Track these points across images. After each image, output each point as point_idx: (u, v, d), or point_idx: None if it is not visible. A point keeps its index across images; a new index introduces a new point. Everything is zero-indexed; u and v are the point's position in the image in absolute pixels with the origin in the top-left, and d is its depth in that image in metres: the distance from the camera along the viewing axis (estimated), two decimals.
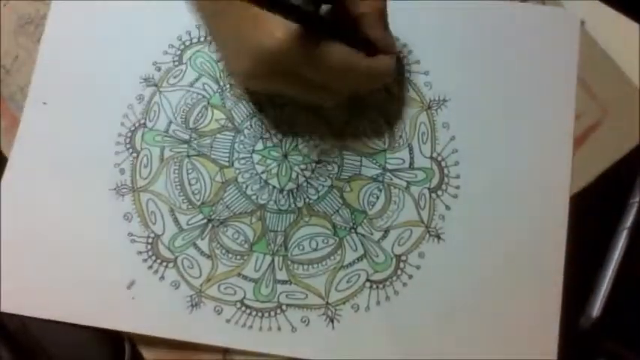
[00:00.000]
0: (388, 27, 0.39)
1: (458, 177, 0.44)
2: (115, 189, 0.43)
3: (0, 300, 0.42)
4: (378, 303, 0.42)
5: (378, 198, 0.43)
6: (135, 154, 0.44)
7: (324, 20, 0.37)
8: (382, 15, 0.38)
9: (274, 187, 0.43)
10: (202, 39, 0.46)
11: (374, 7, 0.38)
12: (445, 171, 0.44)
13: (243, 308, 0.42)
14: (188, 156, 0.44)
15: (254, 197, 0.43)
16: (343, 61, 0.36)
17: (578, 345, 0.42)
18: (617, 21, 0.46)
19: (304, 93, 0.39)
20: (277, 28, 0.34)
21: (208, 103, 0.45)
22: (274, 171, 0.44)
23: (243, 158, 0.44)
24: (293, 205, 0.43)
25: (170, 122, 0.45)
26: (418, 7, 0.46)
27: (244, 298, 0.42)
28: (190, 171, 0.44)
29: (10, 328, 0.42)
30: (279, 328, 0.42)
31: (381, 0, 0.38)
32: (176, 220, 0.43)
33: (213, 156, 0.44)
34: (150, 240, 0.43)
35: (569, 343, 0.41)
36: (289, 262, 0.42)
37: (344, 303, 0.42)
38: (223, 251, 0.43)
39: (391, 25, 0.44)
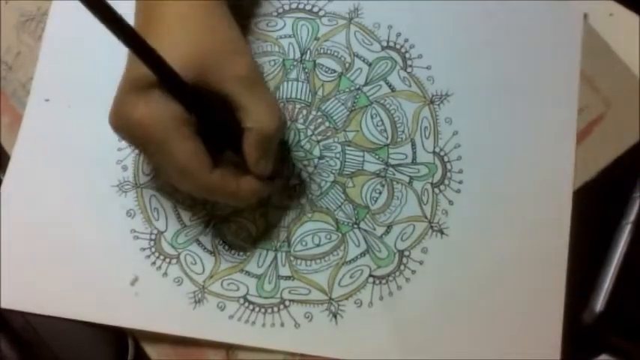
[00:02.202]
0: (270, 153, 0.37)
1: (461, 172, 0.43)
2: (117, 185, 0.43)
3: (1, 297, 0.42)
4: (381, 298, 0.42)
5: (380, 193, 0.43)
6: (137, 151, 0.44)
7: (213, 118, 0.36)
8: (265, 138, 0.36)
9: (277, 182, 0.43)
10: None
11: (259, 127, 0.35)
12: (448, 166, 0.44)
13: (247, 304, 0.42)
14: None
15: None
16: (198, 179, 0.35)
17: (582, 340, 0.42)
18: (620, 14, 0.46)
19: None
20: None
21: None
22: (277, 166, 0.44)
23: None
24: (296, 201, 0.43)
25: None
26: (420, 1, 0.45)
27: (247, 294, 0.42)
28: None
29: (14, 325, 0.42)
30: (282, 324, 0.42)
31: (273, 126, 0.36)
32: (179, 217, 0.43)
33: None
34: (153, 236, 0.43)
35: (573, 338, 0.41)
36: (292, 258, 0.42)
37: (347, 298, 0.42)
38: (226, 247, 0.43)
39: (394, 19, 0.44)
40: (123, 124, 0.35)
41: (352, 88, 0.45)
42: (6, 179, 0.44)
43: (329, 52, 0.45)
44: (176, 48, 0.34)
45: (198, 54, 0.34)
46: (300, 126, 0.44)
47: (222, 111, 0.36)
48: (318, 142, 0.44)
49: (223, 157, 0.37)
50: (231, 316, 0.42)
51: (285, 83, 0.45)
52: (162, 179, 0.43)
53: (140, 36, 0.31)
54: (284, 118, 0.37)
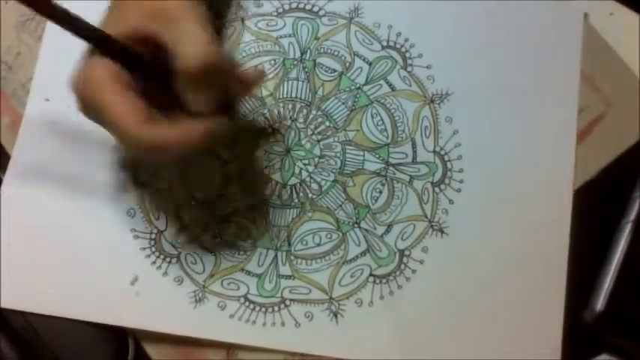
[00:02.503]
0: (207, 87, 0.34)
1: (461, 171, 0.43)
2: (118, 185, 0.43)
3: (1, 296, 0.42)
4: (382, 297, 0.42)
5: (381, 192, 0.43)
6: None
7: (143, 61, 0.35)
8: (197, 70, 0.33)
9: (277, 182, 0.43)
10: None
11: (187, 57, 0.33)
12: (448, 165, 0.44)
13: (247, 303, 0.42)
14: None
15: (257, 192, 0.43)
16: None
17: (582, 339, 0.42)
18: (620, 13, 0.46)
19: None
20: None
21: None
22: (277, 166, 0.44)
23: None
24: (296, 200, 0.43)
25: None
26: (420, 1, 0.45)
27: (248, 293, 0.42)
28: (193, 167, 0.44)
29: (15, 325, 0.42)
30: (282, 323, 0.42)
31: (200, 53, 0.33)
32: (179, 216, 0.43)
33: (216, 151, 0.44)
34: (153, 236, 0.43)
35: (573, 337, 0.41)
36: (292, 257, 0.42)
37: (347, 298, 0.42)
38: (226, 246, 0.42)
39: (394, 18, 0.44)
40: (73, 88, 0.35)
41: (352, 88, 0.45)
42: (6, 179, 0.44)
43: (329, 51, 0.45)
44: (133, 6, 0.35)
45: (155, 11, 0.34)
46: (300, 125, 0.44)
47: (158, 58, 0.35)
48: (319, 141, 0.44)
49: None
50: (231, 316, 0.42)
51: (286, 83, 0.45)
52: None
53: (63, 9, 0.32)
54: (214, 49, 0.34)
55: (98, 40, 0.34)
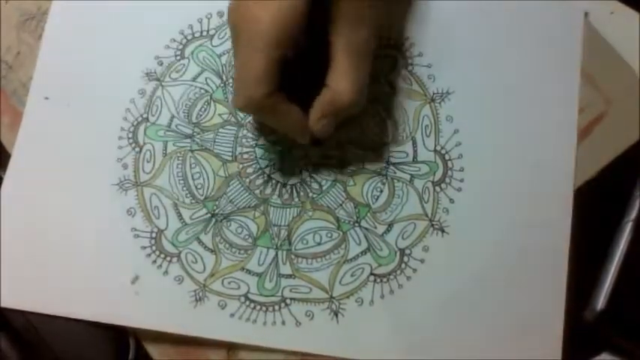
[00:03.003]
0: (332, 120, 0.38)
1: (462, 170, 0.43)
2: (118, 184, 0.43)
3: (1, 295, 0.42)
4: (383, 297, 0.42)
5: (381, 192, 0.43)
6: (138, 149, 0.44)
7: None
8: (336, 103, 0.37)
9: (278, 181, 0.43)
10: (205, 33, 0.46)
11: (336, 90, 0.37)
12: (449, 164, 0.44)
13: (247, 302, 0.42)
14: (191, 150, 0.44)
15: (257, 192, 0.43)
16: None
17: (583, 338, 0.42)
18: (620, 12, 0.46)
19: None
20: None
21: (211, 97, 0.45)
22: (277, 165, 0.43)
23: (246, 153, 0.44)
24: (296, 199, 0.43)
25: (173, 117, 0.44)
26: (421, 0, 0.45)
27: (248, 292, 0.42)
28: (193, 166, 0.44)
29: (15, 325, 0.42)
30: (283, 323, 0.41)
31: (348, 97, 0.37)
32: (179, 215, 0.43)
33: (216, 150, 0.44)
34: (153, 235, 0.43)
35: (574, 336, 0.41)
36: (293, 257, 0.42)
37: (348, 297, 0.42)
38: (227, 246, 0.42)
39: (394, 17, 0.44)
40: (232, 10, 0.36)
41: None
42: (6, 178, 0.44)
43: None
44: None
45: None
46: None
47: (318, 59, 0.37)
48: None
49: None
50: (232, 315, 0.42)
51: None
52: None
53: None
54: (363, 100, 0.38)
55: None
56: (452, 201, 0.43)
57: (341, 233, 0.43)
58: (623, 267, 0.42)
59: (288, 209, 0.43)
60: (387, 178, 0.43)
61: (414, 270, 0.42)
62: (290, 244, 0.42)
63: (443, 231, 0.43)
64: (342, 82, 0.37)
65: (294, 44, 0.36)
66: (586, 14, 0.46)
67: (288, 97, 0.37)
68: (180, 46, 0.45)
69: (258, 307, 0.42)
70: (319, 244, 0.42)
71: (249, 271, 0.42)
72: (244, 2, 0.35)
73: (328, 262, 0.42)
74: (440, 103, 0.44)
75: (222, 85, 0.45)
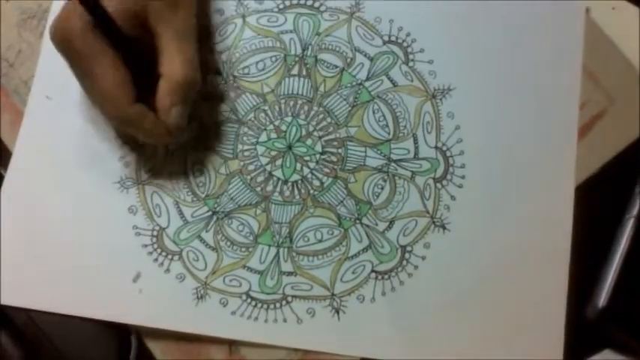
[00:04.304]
0: (182, 105, 0.39)
1: (463, 167, 0.43)
2: (119, 182, 0.43)
3: (3, 293, 0.42)
4: (384, 294, 0.42)
5: (382, 188, 0.43)
6: (139, 147, 0.44)
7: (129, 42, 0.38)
8: (178, 87, 0.38)
9: (279, 178, 0.43)
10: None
11: (172, 74, 0.38)
12: (450, 161, 0.43)
13: (249, 300, 0.42)
14: (192, 148, 0.44)
15: (258, 189, 0.43)
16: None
17: (585, 335, 0.42)
18: (622, 8, 0.46)
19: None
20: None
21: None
22: (278, 162, 0.43)
23: (247, 150, 0.44)
24: (298, 197, 0.43)
25: None
26: None
27: (250, 290, 0.42)
28: (195, 163, 0.44)
29: (18, 323, 0.42)
30: (284, 320, 0.42)
31: (185, 76, 0.38)
32: (181, 213, 0.43)
33: (217, 148, 0.44)
34: (155, 233, 0.43)
35: (576, 333, 0.41)
36: (294, 254, 0.42)
37: (349, 294, 0.42)
38: (228, 243, 0.43)
39: (395, 13, 0.44)
40: (59, 35, 0.37)
41: (354, 84, 0.44)
42: (8, 176, 0.44)
43: (330, 47, 0.45)
44: None
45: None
46: (301, 122, 0.44)
47: (151, 58, 0.39)
48: (320, 137, 0.44)
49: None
50: (233, 312, 0.42)
51: (287, 79, 0.45)
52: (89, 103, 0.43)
53: None
54: (197, 75, 0.39)
55: (113, 28, 0.37)
56: (453, 198, 0.43)
57: (342, 230, 0.43)
58: (625, 264, 0.42)
59: (289, 206, 0.43)
60: (388, 175, 0.43)
61: (416, 267, 0.42)
62: (291, 241, 0.42)
63: (444, 228, 0.43)
64: (172, 65, 0.38)
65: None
66: (587, 10, 0.46)
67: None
68: None
69: (259, 305, 0.42)
70: (320, 241, 0.42)
71: (250, 269, 0.42)
72: (60, 24, 0.37)
73: (329, 260, 0.42)
74: (441, 99, 0.44)
75: (222, 82, 0.45)
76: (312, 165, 0.43)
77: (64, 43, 0.37)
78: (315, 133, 0.44)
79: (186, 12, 0.39)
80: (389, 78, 0.45)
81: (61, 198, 0.43)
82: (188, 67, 0.38)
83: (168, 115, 0.39)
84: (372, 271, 0.42)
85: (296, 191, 0.43)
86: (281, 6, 0.46)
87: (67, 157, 0.44)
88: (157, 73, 0.39)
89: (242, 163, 0.44)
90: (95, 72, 0.37)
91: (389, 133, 0.44)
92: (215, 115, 0.44)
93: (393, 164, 0.43)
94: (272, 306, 0.42)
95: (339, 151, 0.44)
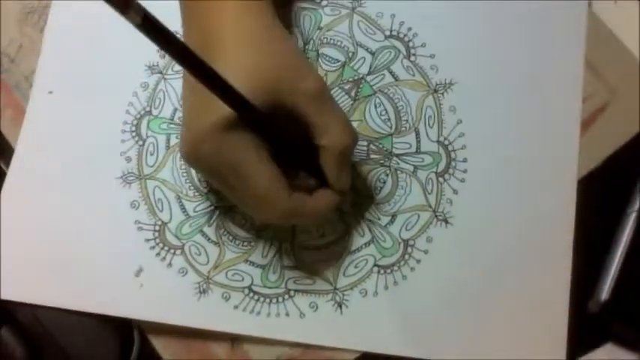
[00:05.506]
0: (347, 167, 0.37)
1: (465, 161, 0.43)
2: (121, 177, 0.44)
3: (5, 288, 0.42)
4: (386, 288, 0.42)
5: (385, 183, 0.43)
6: (141, 142, 0.44)
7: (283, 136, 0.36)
8: (343, 154, 0.36)
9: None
10: None
11: (336, 144, 0.35)
12: (452, 155, 0.43)
13: (251, 294, 0.42)
14: None
15: None
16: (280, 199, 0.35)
17: (587, 328, 0.42)
18: (624, 1, 0.46)
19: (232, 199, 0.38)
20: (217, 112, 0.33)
21: None
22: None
23: None
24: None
25: (176, 110, 0.44)
26: None
27: (252, 284, 0.42)
28: None
29: (21, 318, 0.42)
30: (287, 314, 0.42)
31: (349, 141, 0.36)
32: (183, 208, 0.43)
33: None
34: (157, 227, 0.43)
35: (578, 327, 0.41)
36: (297, 248, 0.42)
37: (352, 288, 0.42)
38: (230, 238, 0.43)
39: (397, 7, 0.44)
40: (196, 158, 0.35)
41: (356, 78, 0.44)
42: (10, 172, 0.44)
43: (332, 41, 0.45)
44: (241, 73, 0.33)
45: (266, 75, 0.34)
46: None
47: (294, 131, 0.36)
48: None
49: (297, 176, 0.37)
50: (235, 307, 0.42)
51: None
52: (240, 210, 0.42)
53: (212, 68, 0.30)
54: (356, 133, 0.37)
55: (251, 111, 0.33)
56: (455, 192, 0.43)
57: (344, 225, 0.43)
58: (627, 257, 0.42)
59: None
60: (390, 169, 0.43)
61: (418, 261, 0.42)
62: (294, 235, 0.42)
63: (447, 222, 0.43)
64: (331, 135, 0.35)
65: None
66: (589, 3, 0.45)
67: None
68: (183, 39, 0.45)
69: (262, 299, 0.42)
70: (323, 235, 0.42)
71: (252, 263, 0.42)
72: (193, 145, 0.34)
73: (332, 254, 0.42)
74: (443, 93, 0.44)
75: None
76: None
77: (204, 163, 0.34)
78: None
79: (311, 72, 0.35)
80: (391, 72, 0.44)
81: (63, 193, 0.43)
82: (346, 129, 0.36)
83: (339, 182, 0.37)
84: (375, 265, 0.42)
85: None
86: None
87: (70, 152, 0.44)
88: (311, 145, 0.36)
89: None
90: (247, 179, 0.34)
91: (391, 128, 0.44)
92: None
93: (395, 158, 0.43)
94: (274, 300, 0.42)
95: None
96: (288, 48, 0.36)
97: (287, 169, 0.36)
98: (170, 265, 0.42)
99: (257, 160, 0.34)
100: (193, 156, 0.34)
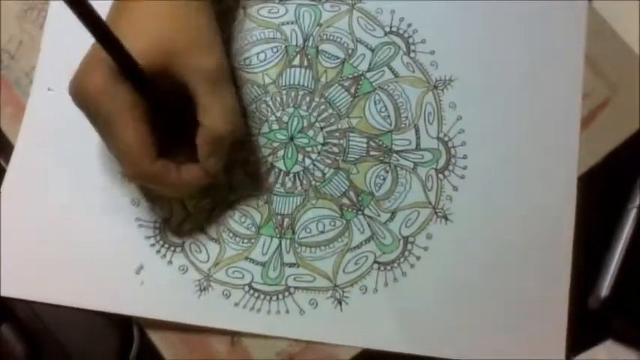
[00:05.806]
0: (221, 152, 0.38)
1: (465, 157, 0.43)
2: (122, 174, 0.43)
3: (5, 285, 0.42)
4: (386, 284, 0.42)
5: (384, 179, 0.43)
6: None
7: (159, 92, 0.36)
8: (217, 140, 0.37)
9: (280, 169, 0.43)
10: None
11: (213, 128, 0.36)
12: (452, 151, 0.43)
13: (252, 292, 0.42)
14: None
15: (260, 180, 0.43)
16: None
17: (587, 325, 0.42)
18: None
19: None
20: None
21: None
22: (280, 154, 0.43)
23: (248, 141, 0.44)
24: (299, 188, 0.43)
25: None
26: None
27: (252, 281, 0.42)
28: None
29: (21, 315, 0.42)
30: (287, 311, 0.42)
31: (226, 129, 0.37)
32: (183, 205, 0.43)
33: None
34: (157, 225, 0.43)
35: (578, 323, 0.41)
36: (297, 245, 0.42)
37: (352, 285, 0.42)
38: (231, 235, 0.43)
39: (397, 4, 0.44)
40: (78, 92, 0.36)
41: (355, 75, 0.44)
42: (10, 168, 0.44)
43: (332, 38, 0.45)
44: (140, 37, 0.35)
45: (163, 43, 0.35)
46: (303, 113, 0.44)
47: (184, 106, 0.37)
48: (322, 128, 0.44)
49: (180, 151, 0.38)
50: (236, 304, 0.42)
51: (288, 70, 0.44)
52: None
53: (105, 24, 0.32)
54: (240, 124, 0.38)
55: (137, 74, 0.34)
56: (455, 188, 0.43)
57: (344, 221, 0.43)
58: (627, 254, 0.42)
59: (291, 198, 0.43)
60: (390, 166, 0.43)
61: (418, 258, 0.42)
62: (293, 232, 0.42)
63: (446, 218, 0.43)
64: (210, 116, 0.36)
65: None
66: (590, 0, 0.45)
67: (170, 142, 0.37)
68: None
69: (262, 296, 0.42)
70: (322, 232, 0.42)
71: (253, 260, 0.42)
72: (80, 80, 0.35)
73: (332, 251, 0.42)
74: (443, 90, 0.44)
75: None
76: (313, 156, 0.43)
77: (83, 99, 0.35)
78: (317, 124, 0.44)
79: (211, 53, 0.37)
80: (390, 69, 0.44)
81: (63, 190, 0.43)
82: (228, 117, 0.37)
83: (208, 163, 0.38)
84: (375, 262, 0.42)
85: (298, 182, 0.43)
86: None
87: (70, 149, 0.44)
88: (194, 120, 0.37)
89: (244, 154, 0.44)
90: (116, 130, 0.35)
91: (390, 124, 0.44)
92: None
93: (394, 155, 0.43)
94: (274, 297, 0.42)
95: (341, 142, 0.44)
96: (199, 26, 0.37)
97: (174, 141, 0.37)
98: (170, 262, 0.42)
99: (129, 116, 0.35)
100: (77, 88, 0.35)
